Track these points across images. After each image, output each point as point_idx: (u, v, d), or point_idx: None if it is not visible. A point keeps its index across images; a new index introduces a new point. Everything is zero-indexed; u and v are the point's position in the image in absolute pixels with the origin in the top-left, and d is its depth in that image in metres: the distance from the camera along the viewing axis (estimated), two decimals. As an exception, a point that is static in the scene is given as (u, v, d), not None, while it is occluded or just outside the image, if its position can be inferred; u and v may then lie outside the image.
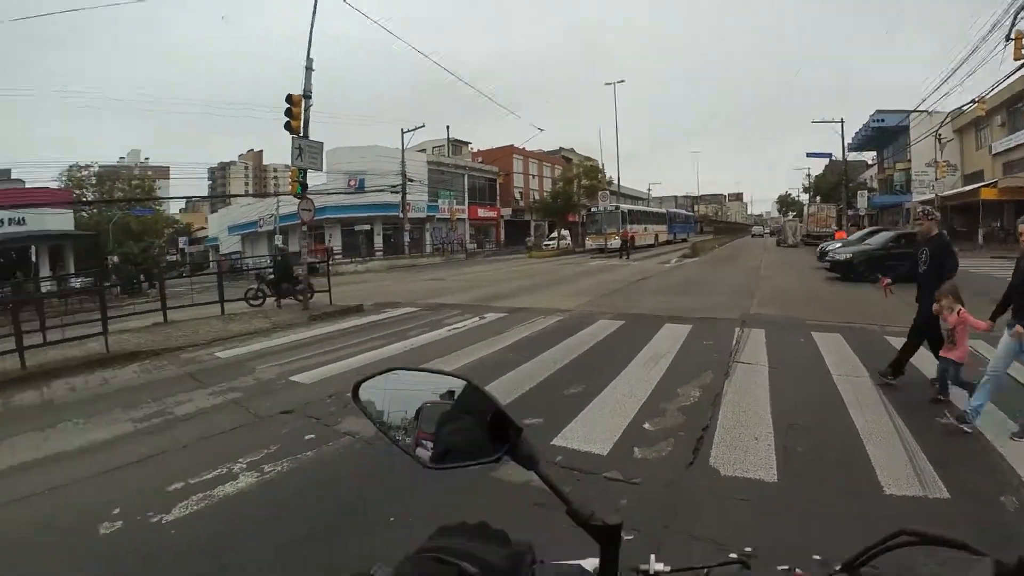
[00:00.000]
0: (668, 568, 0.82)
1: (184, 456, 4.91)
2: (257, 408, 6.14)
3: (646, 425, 4.92)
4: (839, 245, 21.83)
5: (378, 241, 43.86)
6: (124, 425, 5.91)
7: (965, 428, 4.68)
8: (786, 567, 0.79)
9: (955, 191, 37.32)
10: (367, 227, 43.79)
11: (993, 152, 37.42)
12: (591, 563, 0.84)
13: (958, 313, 5.24)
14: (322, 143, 15.44)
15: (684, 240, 53.96)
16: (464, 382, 0.99)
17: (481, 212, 54.43)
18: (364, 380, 1.08)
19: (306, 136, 14.75)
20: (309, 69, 14.95)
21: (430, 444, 0.97)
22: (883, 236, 20.11)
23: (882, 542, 0.79)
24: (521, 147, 57.19)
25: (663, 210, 57.52)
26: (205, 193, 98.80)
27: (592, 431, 4.75)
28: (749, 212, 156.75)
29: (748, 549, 0.83)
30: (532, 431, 4.70)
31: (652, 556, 0.84)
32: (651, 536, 3.20)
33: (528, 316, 11.27)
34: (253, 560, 3.23)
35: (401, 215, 41.40)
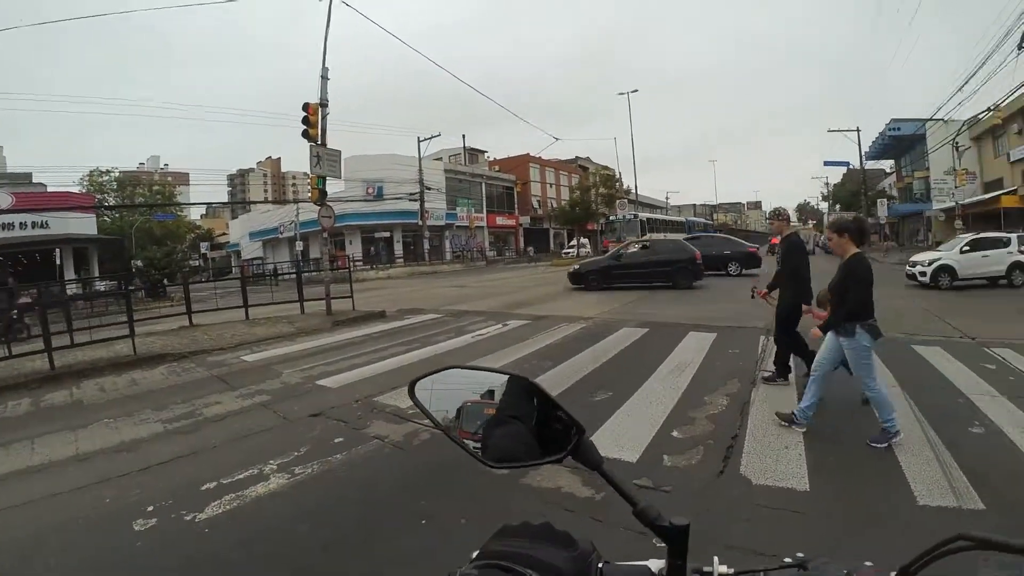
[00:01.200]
0: (732, 571, 0.83)
1: (215, 457, 4.97)
2: (285, 411, 6.19)
3: (675, 433, 4.88)
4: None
5: (398, 248, 44.32)
6: (154, 426, 5.98)
7: (797, 428, 4.86)
8: (845, 571, 0.79)
9: (975, 199, 37.02)
10: (387, 234, 44.31)
11: (1012, 160, 36.68)
12: (656, 564, 0.84)
13: None
14: (340, 151, 15.65)
15: (705, 249, 53.64)
16: (526, 380, 1.01)
17: (500, 220, 54.75)
18: (420, 377, 1.09)
19: (324, 144, 14.88)
20: (324, 78, 15.11)
21: (472, 444, 0.99)
22: (617, 248, 21.45)
23: (938, 547, 0.78)
24: (537, 156, 57.21)
25: (682, 219, 57.21)
26: (225, 199, 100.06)
27: (620, 438, 4.72)
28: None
29: (800, 555, 0.83)
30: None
31: (716, 558, 0.84)
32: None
33: (552, 323, 11.25)
34: (286, 560, 3.24)
35: (420, 222, 41.92)
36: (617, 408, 5.55)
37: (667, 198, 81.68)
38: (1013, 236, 15.91)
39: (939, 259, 15.78)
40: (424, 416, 1.07)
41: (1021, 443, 4.77)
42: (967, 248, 15.87)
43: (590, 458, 0.90)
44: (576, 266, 20.09)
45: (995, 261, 15.74)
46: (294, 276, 18.01)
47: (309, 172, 15.31)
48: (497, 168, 58.55)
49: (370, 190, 41.67)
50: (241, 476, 4.37)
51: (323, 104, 14.95)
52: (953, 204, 34.92)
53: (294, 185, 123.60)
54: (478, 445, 0.98)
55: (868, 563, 0.80)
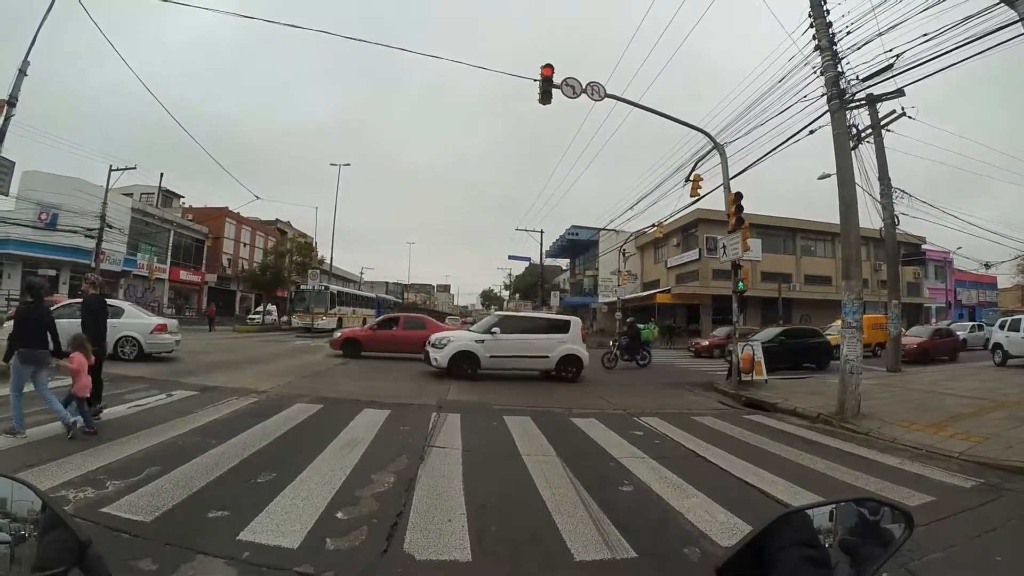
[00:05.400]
0: None
1: None
2: None
3: (339, 514, 4.62)
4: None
5: (63, 290, 36.29)
6: None
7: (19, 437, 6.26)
8: None
9: (634, 295, 47.48)
10: (53, 272, 35.95)
11: (668, 266, 48.38)
12: None
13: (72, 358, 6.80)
14: (14, 163, 13.12)
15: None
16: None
17: (184, 275, 48.92)
18: None
19: (-3, 149, 12.07)
20: (23, 72, 12.48)
21: None
22: None
23: None
24: (236, 211, 52.55)
25: (373, 295, 56.94)
26: None
27: (283, 523, 4.31)
28: (455, 303, 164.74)
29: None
30: (217, 524, 4.25)
31: None
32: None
33: (221, 396, 10.01)
34: None
35: (93, 264, 33.82)
36: (281, 490, 5.07)
37: (362, 273, 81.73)
38: None
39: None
40: None
41: (666, 496, 5.51)
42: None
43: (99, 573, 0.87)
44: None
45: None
46: None
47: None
48: (191, 217, 52.43)
49: (43, 216, 33.89)
50: None
51: (11, 102, 12.32)
52: (616, 298, 42.61)
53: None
54: None
55: None
